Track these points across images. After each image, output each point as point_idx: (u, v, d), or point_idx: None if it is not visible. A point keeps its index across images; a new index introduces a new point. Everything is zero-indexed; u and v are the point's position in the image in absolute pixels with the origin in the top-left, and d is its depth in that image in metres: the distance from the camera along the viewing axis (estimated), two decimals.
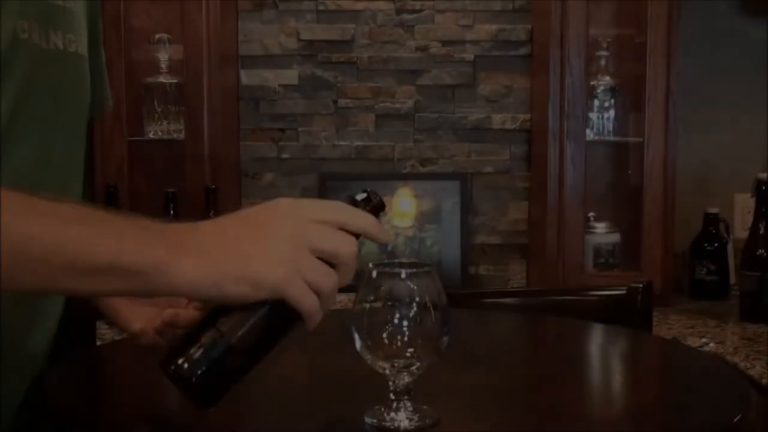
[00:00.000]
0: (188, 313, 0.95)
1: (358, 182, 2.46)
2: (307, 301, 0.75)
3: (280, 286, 0.74)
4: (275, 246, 0.74)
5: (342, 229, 0.78)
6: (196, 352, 0.76)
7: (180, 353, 0.77)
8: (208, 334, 0.77)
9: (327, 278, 0.76)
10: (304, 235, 0.75)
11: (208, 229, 0.76)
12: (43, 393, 0.97)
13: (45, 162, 0.91)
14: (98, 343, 1.65)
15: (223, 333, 0.77)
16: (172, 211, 2.18)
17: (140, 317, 0.98)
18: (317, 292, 0.76)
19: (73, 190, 0.98)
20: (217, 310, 0.78)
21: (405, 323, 0.83)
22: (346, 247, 0.77)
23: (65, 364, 1.07)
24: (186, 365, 0.76)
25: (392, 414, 0.84)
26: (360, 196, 0.83)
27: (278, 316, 0.77)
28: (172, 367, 0.77)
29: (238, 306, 0.77)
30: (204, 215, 1.85)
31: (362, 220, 0.79)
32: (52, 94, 0.92)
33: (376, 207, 0.83)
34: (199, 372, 0.76)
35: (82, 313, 1.40)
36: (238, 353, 0.78)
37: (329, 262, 0.77)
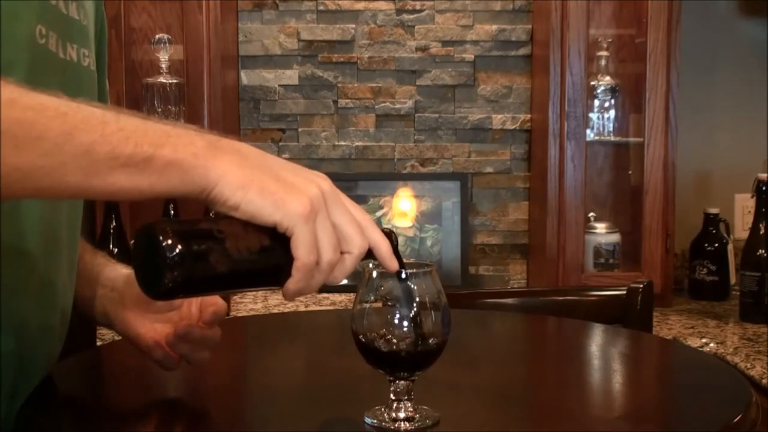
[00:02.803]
0: (200, 328, 0.95)
1: (358, 182, 2.46)
2: (307, 251, 0.73)
3: (297, 218, 0.73)
4: (309, 186, 0.74)
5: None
6: (187, 230, 0.72)
7: (171, 223, 0.74)
8: (206, 223, 0.74)
9: (333, 249, 0.75)
10: (335, 202, 0.76)
11: (251, 148, 0.76)
12: (43, 393, 0.97)
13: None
14: (98, 343, 1.65)
15: (221, 231, 0.73)
16: (172, 211, 2.17)
17: (151, 332, 0.98)
18: (318, 256, 0.75)
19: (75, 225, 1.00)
20: (225, 216, 0.74)
21: (405, 323, 0.83)
22: (359, 241, 0.77)
23: (65, 364, 1.07)
24: (171, 236, 0.70)
25: (392, 414, 0.84)
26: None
27: (275, 253, 0.74)
28: (157, 229, 0.71)
29: (246, 222, 0.74)
30: (205, 215, 1.85)
31: (381, 237, 0.79)
32: None
33: (392, 246, 0.82)
34: (178, 249, 0.70)
35: (82, 314, 1.40)
36: (222, 260, 0.72)
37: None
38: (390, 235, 0.83)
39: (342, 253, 0.76)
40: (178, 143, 0.72)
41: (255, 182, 0.73)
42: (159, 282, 0.70)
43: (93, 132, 0.70)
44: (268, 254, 0.75)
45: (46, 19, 0.86)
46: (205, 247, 0.72)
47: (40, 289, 0.92)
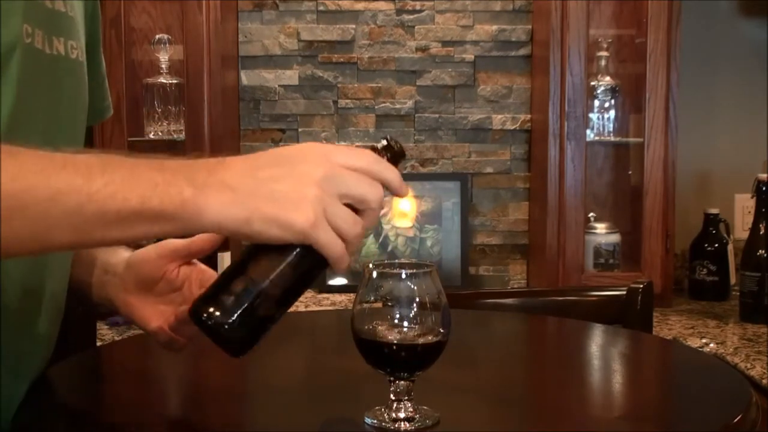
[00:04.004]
0: None
1: None
2: (333, 247, 0.76)
3: (307, 231, 0.74)
4: (306, 189, 0.74)
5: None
6: (227, 300, 0.76)
7: (211, 301, 0.77)
8: (238, 280, 0.77)
9: (354, 225, 0.77)
10: (334, 180, 0.76)
11: (236, 165, 0.75)
12: (43, 393, 0.97)
13: None
14: (98, 343, 1.65)
15: (254, 279, 0.76)
16: None
17: (156, 315, 0.97)
18: (343, 238, 0.76)
19: None
20: (245, 257, 0.78)
21: (405, 323, 0.83)
22: (373, 194, 0.78)
23: (65, 364, 1.07)
24: (218, 314, 0.75)
25: (392, 414, 0.84)
26: (381, 144, 0.84)
27: (306, 260, 0.77)
28: (204, 316, 0.76)
29: (266, 251, 0.77)
30: None
31: (388, 172, 0.80)
32: (54, 100, 0.92)
33: (396, 155, 0.84)
34: (231, 320, 0.75)
35: (82, 314, 1.40)
36: (269, 298, 0.77)
37: (355, 208, 0.78)
38: (390, 147, 0.84)
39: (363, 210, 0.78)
40: (165, 193, 0.72)
41: (254, 214, 0.73)
42: (235, 352, 0.78)
43: (78, 193, 0.70)
44: (303, 265, 0.78)
45: (31, 17, 0.86)
46: (251, 308, 0.76)
47: (15, 338, 0.91)
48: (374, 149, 0.83)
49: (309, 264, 0.78)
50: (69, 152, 0.73)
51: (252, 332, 0.77)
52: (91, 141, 2.07)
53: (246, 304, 0.76)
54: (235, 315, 0.75)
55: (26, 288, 0.91)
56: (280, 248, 0.76)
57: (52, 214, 0.69)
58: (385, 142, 0.84)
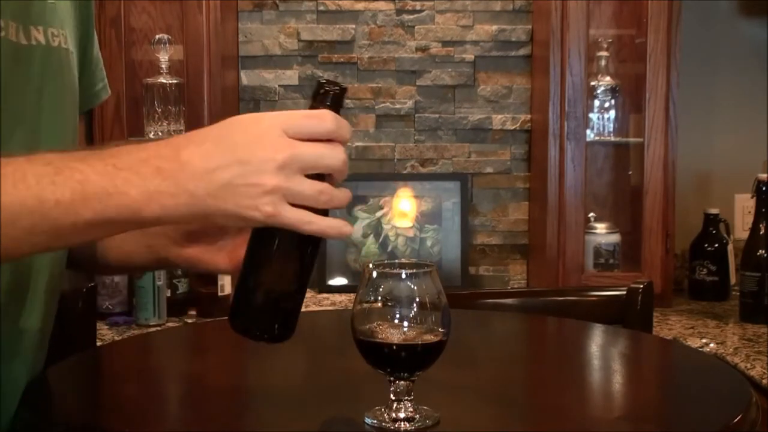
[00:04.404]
0: None
1: (358, 182, 2.46)
2: (305, 224, 0.76)
3: (270, 220, 0.75)
4: (263, 179, 0.74)
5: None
6: (255, 313, 0.82)
7: (242, 317, 0.82)
8: (259, 293, 0.81)
9: (320, 193, 0.76)
10: (293, 161, 0.74)
11: (192, 161, 0.74)
12: (43, 393, 0.97)
13: None
14: (98, 343, 1.65)
15: (270, 285, 0.81)
16: None
17: (220, 255, 0.96)
18: (314, 206, 0.76)
19: None
20: (249, 259, 0.81)
21: (405, 323, 0.83)
22: (335, 158, 0.77)
23: (65, 364, 1.07)
24: (256, 327, 0.82)
25: (392, 414, 0.84)
26: (321, 91, 0.81)
27: (302, 239, 0.79)
28: (242, 331, 0.82)
29: (263, 246, 0.80)
30: None
31: (342, 130, 0.78)
32: (36, 91, 0.91)
33: (337, 98, 0.81)
34: (270, 326, 0.82)
35: (82, 314, 1.40)
36: (291, 292, 0.82)
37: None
38: (326, 93, 0.81)
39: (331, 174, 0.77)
40: (120, 204, 0.73)
41: (214, 212, 0.74)
42: (282, 340, 0.84)
43: (32, 214, 0.71)
44: (303, 246, 0.80)
45: (2, 9, 0.85)
46: (279, 308, 0.82)
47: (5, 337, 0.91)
48: (315, 96, 0.81)
49: (306, 241, 0.80)
50: (22, 160, 0.73)
51: (288, 320, 0.83)
52: (91, 141, 2.07)
53: (275, 309, 0.82)
54: (271, 321, 0.82)
55: (14, 284, 0.90)
56: (273, 241, 0.79)
57: (10, 234, 0.71)
58: (323, 90, 0.81)
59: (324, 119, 0.77)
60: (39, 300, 0.95)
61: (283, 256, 0.80)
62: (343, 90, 0.81)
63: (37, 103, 0.91)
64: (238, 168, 0.73)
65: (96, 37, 1.10)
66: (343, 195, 0.78)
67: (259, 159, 0.74)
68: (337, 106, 0.80)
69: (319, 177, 0.77)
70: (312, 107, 0.81)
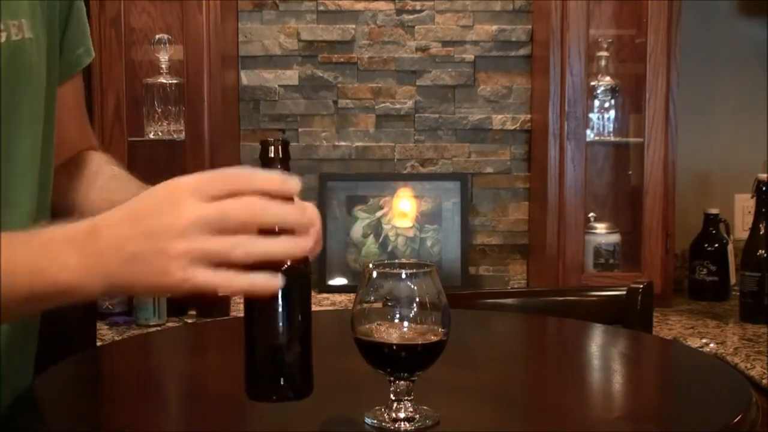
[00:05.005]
0: None
1: (358, 183, 2.46)
2: (222, 283, 0.73)
3: (183, 286, 0.72)
4: (167, 247, 0.72)
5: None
6: (272, 379, 0.80)
7: (259, 386, 0.81)
8: (267, 361, 0.79)
9: (231, 249, 0.72)
10: (193, 223, 0.72)
11: (105, 236, 0.74)
12: (43, 393, 0.97)
13: (7, 159, 0.91)
14: (98, 343, 1.65)
15: (276, 347, 0.79)
16: None
17: None
18: (230, 261, 0.72)
19: (45, 182, 0.98)
20: (247, 327, 0.80)
21: (405, 323, 0.83)
22: (246, 213, 0.72)
23: (65, 364, 1.07)
24: (269, 391, 0.80)
25: (392, 414, 0.84)
26: (266, 154, 0.79)
27: (288, 291, 0.77)
28: (263, 399, 0.81)
29: (247, 315, 0.78)
30: None
31: (259, 180, 0.74)
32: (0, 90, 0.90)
33: (281, 159, 0.79)
34: (279, 386, 0.80)
35: (82, 314, 1.40)
36: (291, 345, 0.79)
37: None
38: (274, 155, 0.78)
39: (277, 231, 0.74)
40: (35, 280, 0.73)
41: (132, 287, 0.75)
42: (308, 392, 0.82)
43: None
44: (290, 297, 0.78)
45: None
46: (287, 365, 0.80)
47: None
48: (263, 159, 0.79)
49: (291, 292, 0.78)
50: None
51: (304, 371, 0.81)
52: None
53: (283, 368, 0.80)
54: (276, 383, 0.80)
55: None
56: (249, 304, 0.78)
57: None
58: (268, 152, 0.79)
59: (236, 175, 0.73)
60: None
61: (263, 315, 0.78)
62: (286, 142, 0.79)
63: (3, 103, 0.90)
64: (144, 238, 0.73)
65: (83, 5, 1.09)
66: (271, 245, 0.73)
67: (162, 226, 0.72)
68: (284, 158, 0.79)
69: (276, 232, 0.74)
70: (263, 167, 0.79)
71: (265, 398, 0.80)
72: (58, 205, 1.05)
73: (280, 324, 0.78)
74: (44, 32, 0.99)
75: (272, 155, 0.78)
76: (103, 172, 1.10)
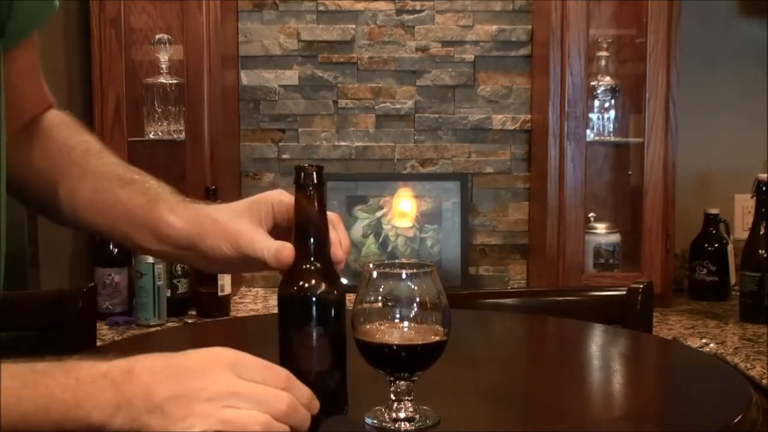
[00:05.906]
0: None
1: (358, 183, 2.46)
2: (243, 421, 0.74)
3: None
4: (187, 401, 0.74)
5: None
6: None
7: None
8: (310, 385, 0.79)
9: (253, 424, 0.74)
10: (220, 394, 0.75)
11: (140, 382, 0.76)
12: None
13: None
14: (98, 343, 1.65)
15: (310, 371, 0.81)
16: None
17: (264, 236, 0.94)
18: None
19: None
20: (285, 353, 0.83)
21: (405, 323, 0.83)
22: (269, 407, 0.75)
23: None
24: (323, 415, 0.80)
25: (393, 414, 0.84)
26: (301, 179, 0.83)
27: (316, 324, 0.81)
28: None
29: (291, 341, 0.82)
30: None
31: (277, 381, 0.77)
32: None
33: (317, 183, 0.83)
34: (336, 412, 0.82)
35: (82, 313, 1.40)
36: (332, 373, 0.83)
37: None
38: (305, 185, 0.83)
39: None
40: (69, 415, 0.74)
41: (145, 428, 0.74)
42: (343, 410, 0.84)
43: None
44: (318, 325, 0.82)
45: None
46: (331, 389, 0.83)
47: None
48: (297, 182, 0.83)
49: (319, 317, 0.81)
50: None
51: (340, 393, 0.84)
52: None
53: (328, 391, 0.82)
54: (329, 401, 0.81)
55: None
56: (287, 332, 0.82)
57: None
58: (303, 178, 0.83)
59: (278, 376, 0.77)
60: None
61: (320, 341, 0.82)
62: (320, 167, 0.84)
63: None
64: (174, 397, 0.75)
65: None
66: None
67: (194, 387, 0.75)
68: (318, 184, 0.84)
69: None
70: (297, 194, 0.84)
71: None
72: (41, 198, 1.04)
73: (323, 352, 0.82)
74: None
75: (307, 181, 0.83)
76: (87, 157, 1.09)
